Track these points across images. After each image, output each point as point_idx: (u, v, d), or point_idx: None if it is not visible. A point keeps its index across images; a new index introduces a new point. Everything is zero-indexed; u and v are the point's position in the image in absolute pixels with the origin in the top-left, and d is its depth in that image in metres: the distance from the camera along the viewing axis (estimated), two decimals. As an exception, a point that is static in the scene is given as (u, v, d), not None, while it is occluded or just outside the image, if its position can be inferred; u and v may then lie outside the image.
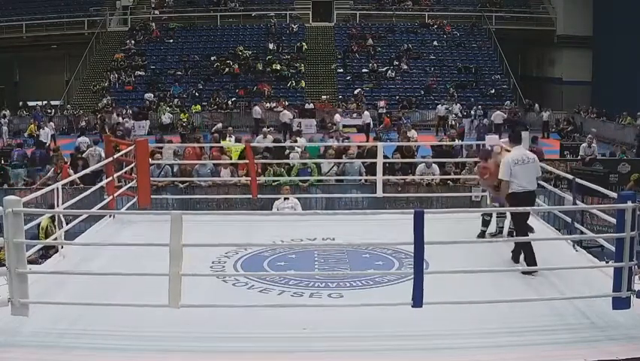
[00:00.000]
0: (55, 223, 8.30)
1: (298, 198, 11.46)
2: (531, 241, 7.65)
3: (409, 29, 38.94)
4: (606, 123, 30.19)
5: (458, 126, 28.59)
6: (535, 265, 7.37)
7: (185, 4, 40.76)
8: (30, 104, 36.09)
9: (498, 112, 29.72)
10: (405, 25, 39.18)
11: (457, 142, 18.54)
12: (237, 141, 18.00)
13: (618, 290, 6.07)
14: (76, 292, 6.72)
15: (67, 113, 33.74)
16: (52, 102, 36.12)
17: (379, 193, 11.39)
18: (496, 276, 7.30)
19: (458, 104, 32.66)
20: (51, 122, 28.88)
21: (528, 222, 8.06)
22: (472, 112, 31.10)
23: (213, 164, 13.59)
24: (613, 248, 6.22)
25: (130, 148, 10.49)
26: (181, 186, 12.98)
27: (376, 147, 11.83)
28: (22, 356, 5.65)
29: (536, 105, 34.13)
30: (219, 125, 27.97)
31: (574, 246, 8.26)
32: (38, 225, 9.99)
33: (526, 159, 7.98)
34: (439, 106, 31.99)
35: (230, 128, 22.63)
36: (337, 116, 29.19)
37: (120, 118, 30.60)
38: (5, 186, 15.10)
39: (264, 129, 20.91)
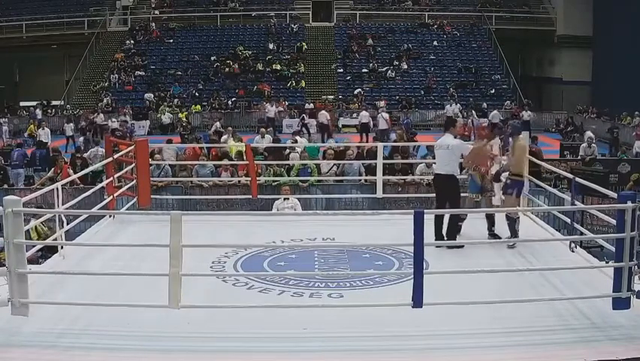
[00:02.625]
0: (44, 223, 8.27)
1: (298, 198, 11.46)
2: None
3: (409, 29, 38.94)
4: (606, 123, 30.16)
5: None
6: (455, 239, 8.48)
7: (185, 4, 40.75)
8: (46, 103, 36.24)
9: (495, 112, 29.92)
10: (405, 25, 39.18)
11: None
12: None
13: (618, 290, 6.07)
14: (76, 292, 6.71)
15: (68, 112, 33.72)
16: (54, 102, 36.16)
17: (379, 193, 11.39)
18: (496, 276, 7.30)
19: (458, 105, 32.64)
20: (70, 124, 28.89)
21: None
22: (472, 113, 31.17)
23: (214, 165, 13.60)
24: (613, 248, 6.22)
25: (130, 148, 10.48)
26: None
27: (376, 147, 11.84)
28: (22, 356, 5.66)
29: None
30: (217, 123, 27.96)
31: (570, 246, 8.25)
32: (28, 231, 9.98)
33: (444, 146, 8.84)
34: (447, 106, 31.92)
35: (230, 128, 22.63)
36: (379, 117, 29.38)
37: (117, 120, 30.51)
38: (5, 186, 15.09)
39: (262, 129, 20.90)
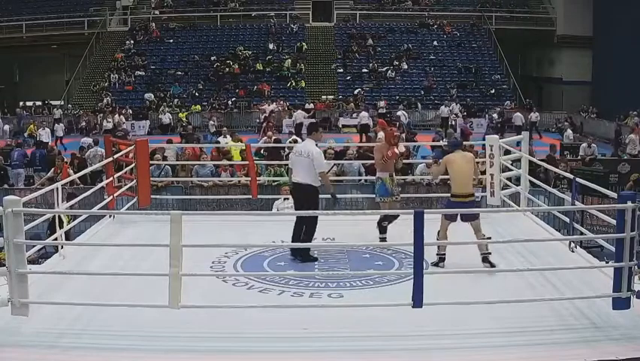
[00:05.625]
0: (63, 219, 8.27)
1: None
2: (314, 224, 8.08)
3: (409, 29, 38.94)
4: (603, 122, 30.17)
5: (459, 126, 28.77)
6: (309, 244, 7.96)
7: (185, 4, 40.76)
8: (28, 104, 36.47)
9: (518, 114, 29.82)
10: (405, 25, 39.18)
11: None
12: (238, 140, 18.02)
13: (618, 290, 6.07)
14: (76, 292, 6.72)
15: (68, 112, 33.74)
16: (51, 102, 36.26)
17: (379, 193, 11.36)
18: (496, 276, 7.31)
19: (458, 105, 32.68)
20: (61, 124, 28.91)
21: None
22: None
23: (214, 165, 13.59)
24: (613, 248, 6.22)
25: (130, 148, 10.48)
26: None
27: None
28: (22, 356, 5.66)
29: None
30: (211, 122, 28.05)
31: (569, 246, 8.25)
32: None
33: (301, 153, 8.28)
34: (442, 107, 32.06)
35: (225, 128, 22.66)
36: (401, 114, 29.79)
37: (123, 118, 30.52)
38: (5, 186, 15.09)
39: (269, 133, 20.93)
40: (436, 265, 7.75)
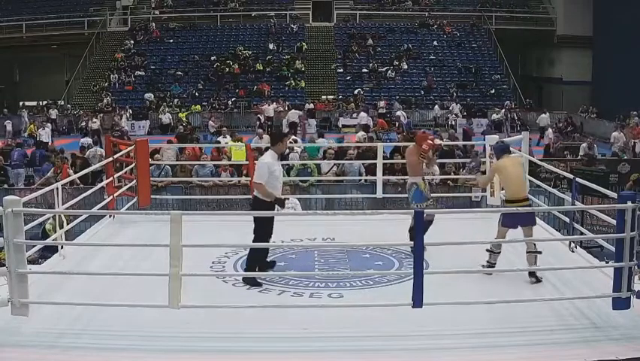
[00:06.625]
0: (57, 223, 8.25)
1: (298, 198, 11.44)
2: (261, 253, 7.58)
3: (409, 29, 38.95)
4: (603, 122, 30.15)
5: (459, 126, 28.80)
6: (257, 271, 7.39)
7: (185, 4, 40.77)
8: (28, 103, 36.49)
9: (543, 115, 29.77)
10: (405, 25, 39.18)
11: (453, 142, 18.45)
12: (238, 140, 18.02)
13: (618, 290, 6.08)
14: (76, 292, 6.72)
15: (68, 112, 33.74)
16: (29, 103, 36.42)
17: (379, 193, 11.39)
18: (496, 276, 7.31)
19: (458, 105, 32.66)
20: (49, 124, 28.87)
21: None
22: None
23: (214, 165, 13.59)
24: (613, 248, 6.22)
25: (130, 148, 10.48)
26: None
27: (376, 147, 11.84)
28: (22, 356, 5.66)
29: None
30: (210, 122, 28.05)
31: (569, 246, 8.24)
32: (44, 229, 9.98)
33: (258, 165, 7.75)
34: (436, 107, 32.18)
35: (225, 128, 22.69)
36: (400, 114, 29.96)
37: (123, 119, 30.50)
38: (5, 186, 15.08)
39: (259, 130, 20.91)
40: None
